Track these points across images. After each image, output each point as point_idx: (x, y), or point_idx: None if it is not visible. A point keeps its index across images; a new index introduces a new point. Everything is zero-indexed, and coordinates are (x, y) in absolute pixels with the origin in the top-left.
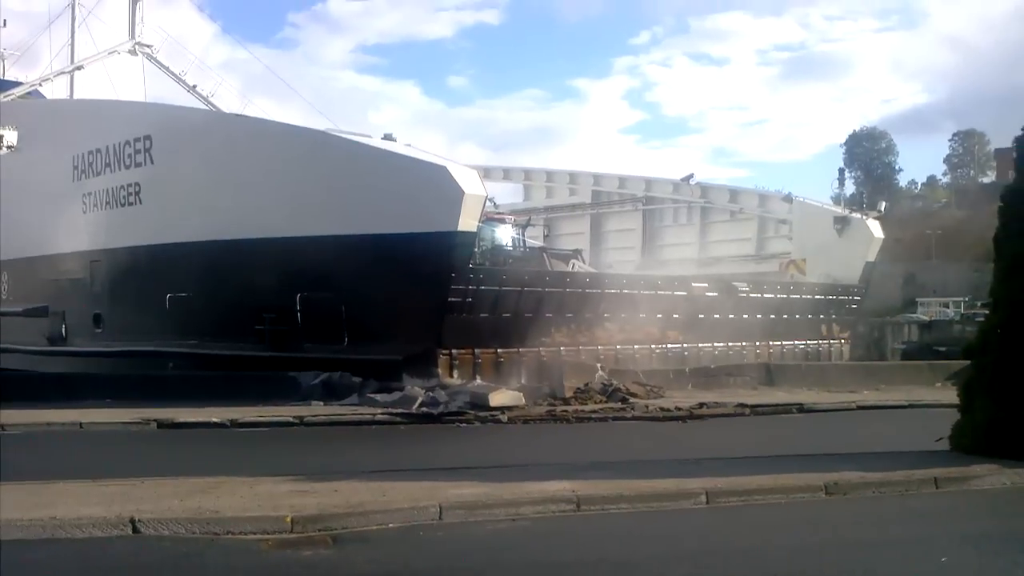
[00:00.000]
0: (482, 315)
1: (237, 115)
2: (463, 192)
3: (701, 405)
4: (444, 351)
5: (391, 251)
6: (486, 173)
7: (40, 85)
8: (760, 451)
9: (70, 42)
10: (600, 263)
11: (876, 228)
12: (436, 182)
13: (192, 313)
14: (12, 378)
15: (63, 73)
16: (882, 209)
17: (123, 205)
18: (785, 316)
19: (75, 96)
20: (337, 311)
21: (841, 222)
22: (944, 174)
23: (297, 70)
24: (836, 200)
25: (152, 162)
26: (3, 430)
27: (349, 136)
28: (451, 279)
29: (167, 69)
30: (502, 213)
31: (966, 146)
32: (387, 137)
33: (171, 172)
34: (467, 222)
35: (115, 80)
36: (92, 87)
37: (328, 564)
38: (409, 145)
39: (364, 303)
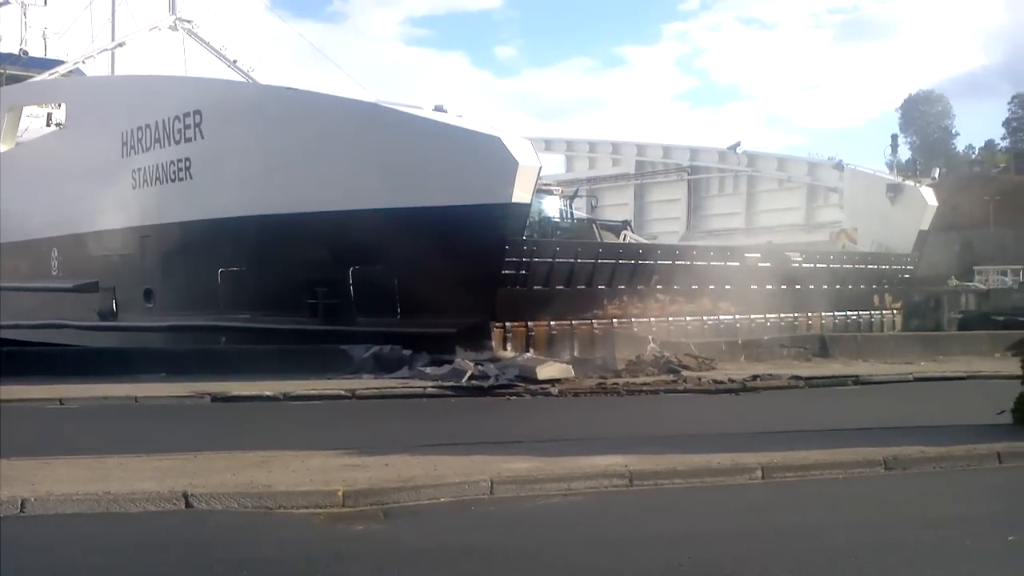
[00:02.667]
0: (535, 288)
1: (287, 88)
2: (517, 163)
3: (754, 377)
4: (497, 324)
5: (444, 224)
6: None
7: (83, 63)
8: (816, 425)
9: (111, 19)
10: (644, 234)
11: (930, 196)
12: (490, 153)
13: (244, 287)
14: (69, 353)
15: (105, 51)
16: (936, 176)
17: (173, 180)
18: (837, 286)
19: (116, 73)
20: (390, 284)
21: (894, 190)
22: (1003, 138)
23: (346, 43)
24: (890, 167)
25: (202, 137)
26: (61, 404)
27: (401, 108)
28: (505, 252)
29: (207, 44)
30: (549, 184)
31: None
32: (438, 108)
33: (222, 146)
34: (521, 194)
35: (156, 56)
36: (133, 64)
37: (380, 538)
38: (460, 116)
39: (417, 276)
